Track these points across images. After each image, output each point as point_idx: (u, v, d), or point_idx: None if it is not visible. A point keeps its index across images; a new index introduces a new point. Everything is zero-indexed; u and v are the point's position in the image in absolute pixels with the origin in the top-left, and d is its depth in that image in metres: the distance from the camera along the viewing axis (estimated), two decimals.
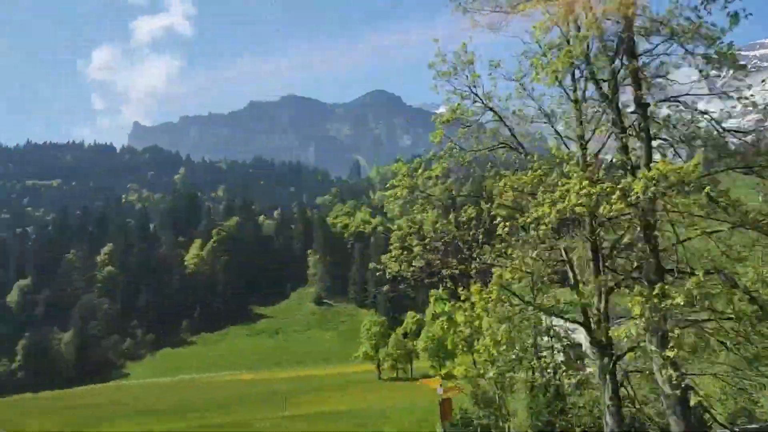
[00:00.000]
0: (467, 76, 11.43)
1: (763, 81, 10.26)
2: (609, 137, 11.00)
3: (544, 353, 23.10)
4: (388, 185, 11.75)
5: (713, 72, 10.07)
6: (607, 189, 9.00)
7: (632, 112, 10.53)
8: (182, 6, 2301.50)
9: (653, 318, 8.86)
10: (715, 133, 10.41)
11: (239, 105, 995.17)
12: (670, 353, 8.80)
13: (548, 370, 21.46)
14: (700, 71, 10.23)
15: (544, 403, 23.53)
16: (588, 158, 10.84)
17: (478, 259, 11.32)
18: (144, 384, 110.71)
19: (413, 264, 11.59)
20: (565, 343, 22.91)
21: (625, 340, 9.59)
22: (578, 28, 10.48)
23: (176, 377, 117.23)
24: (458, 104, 11.66)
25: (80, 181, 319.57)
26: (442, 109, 12.73)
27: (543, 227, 9.78)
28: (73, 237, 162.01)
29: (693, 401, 9.46)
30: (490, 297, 10.29)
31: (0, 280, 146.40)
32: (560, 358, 23.16)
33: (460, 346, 42.76)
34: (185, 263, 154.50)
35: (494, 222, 11.01)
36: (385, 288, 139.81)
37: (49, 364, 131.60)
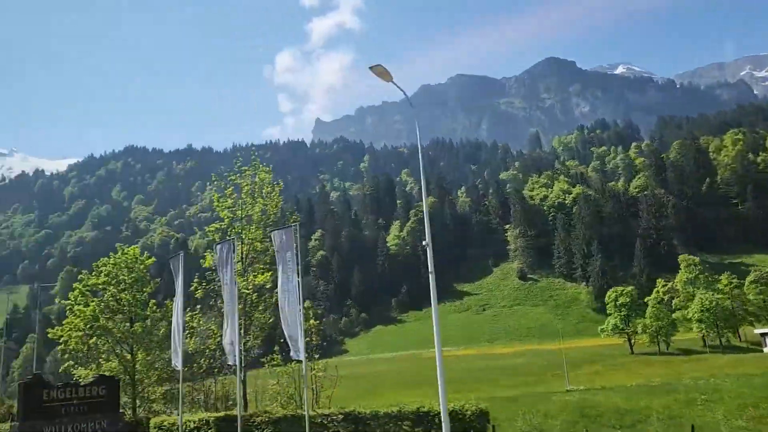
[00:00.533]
0: None
1: None
2: None
3: None
4: None
5: None
6: None
7: None
8: (351, 2, 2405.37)
9: None
10: None
11: (410, 90, 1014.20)
12: None
13: None
14: None
15: None
16: None
17: None
18: (375, 359, 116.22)
19: None
20: None
21: None
22: None
23: (396, 353, 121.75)
24: None
25: (281, 175, 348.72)
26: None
27: None
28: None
29: None
30: None
31: None
32: None
33: None
34: (388, 244, 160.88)
35: None
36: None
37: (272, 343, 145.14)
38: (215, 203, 25.45)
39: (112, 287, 26.09)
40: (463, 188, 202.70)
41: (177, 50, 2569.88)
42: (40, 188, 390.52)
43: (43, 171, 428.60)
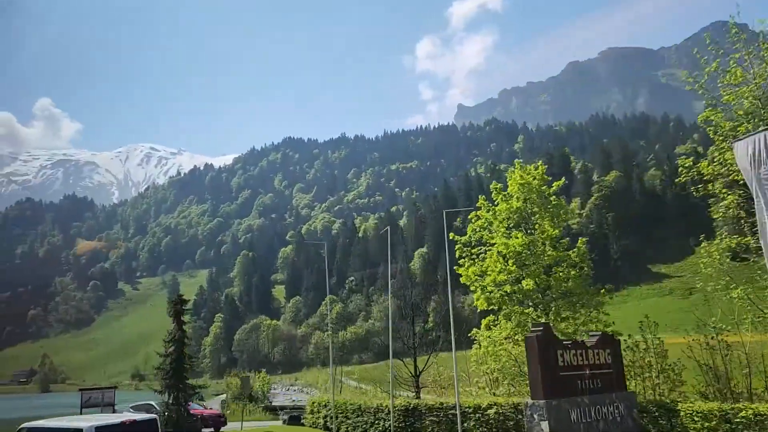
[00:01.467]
0: None
1: None
2: None
3: None
4: None
5: None
6: None
7: None
8: None
9: None
10: None
11: (557, 69, 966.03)
12: None
13: None
14: None
15: None
16: None
17: None
18: None
19: None
20: None
21: None
22: None
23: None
24: None
25: (434, 160, 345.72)
26: None
27: None
28: (447, 207, 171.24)
29: None
30: None
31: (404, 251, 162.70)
32: None
33: None
34: (568, 224, 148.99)
35: None
36: None
37: (457, 325, 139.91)
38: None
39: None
40: (651, 161, 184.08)
41: (323, 48, 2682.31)
42: (210, 181, 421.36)
43: (212, 165, 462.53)
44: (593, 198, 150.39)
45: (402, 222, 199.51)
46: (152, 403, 27.72)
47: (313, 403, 29.61)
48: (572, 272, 20.50)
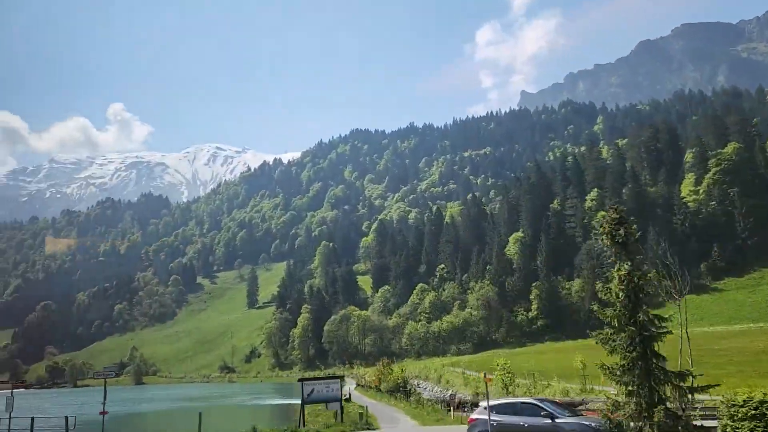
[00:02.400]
0: None
1: None
2: None
3: None
4: None
5: None
6: None
7: None
8: None
9: None
10: None
11: (626, 49, 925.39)
12: None
13: None
14: None
15: None
16: None
17: None
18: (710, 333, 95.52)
19: None
20: None
21: None
22: None
23: (724, 326, 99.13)
24: None
25: (508, 145, 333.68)
26: None
27: None
28: (548, 189, 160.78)
29: None
30: None
31: (497, 235, 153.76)
32: None
33: None
34: (684, 200, 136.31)
35: None
36: None
37: (560, 312, 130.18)
38: None
39: None
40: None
41: (381, 39, 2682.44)
42: (280, 175, 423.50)
43: (280, 160, 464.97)
44: (711, 173, 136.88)
45: (488, 208, 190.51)
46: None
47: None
48: None
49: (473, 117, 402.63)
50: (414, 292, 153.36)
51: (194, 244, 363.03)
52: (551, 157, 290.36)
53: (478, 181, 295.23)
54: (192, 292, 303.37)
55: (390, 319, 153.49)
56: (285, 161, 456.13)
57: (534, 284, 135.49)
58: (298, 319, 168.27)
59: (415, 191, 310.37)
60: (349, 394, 60.95)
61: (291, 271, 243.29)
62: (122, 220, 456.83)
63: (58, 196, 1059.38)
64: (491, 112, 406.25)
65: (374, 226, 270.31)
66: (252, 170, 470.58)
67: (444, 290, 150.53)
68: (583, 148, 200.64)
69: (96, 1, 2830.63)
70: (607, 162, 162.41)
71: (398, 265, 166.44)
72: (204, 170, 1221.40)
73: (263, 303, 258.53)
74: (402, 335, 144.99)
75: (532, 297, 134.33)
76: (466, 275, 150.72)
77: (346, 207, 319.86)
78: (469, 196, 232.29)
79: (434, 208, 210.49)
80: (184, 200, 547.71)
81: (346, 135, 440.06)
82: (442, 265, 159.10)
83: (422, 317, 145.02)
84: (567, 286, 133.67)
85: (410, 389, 58.39)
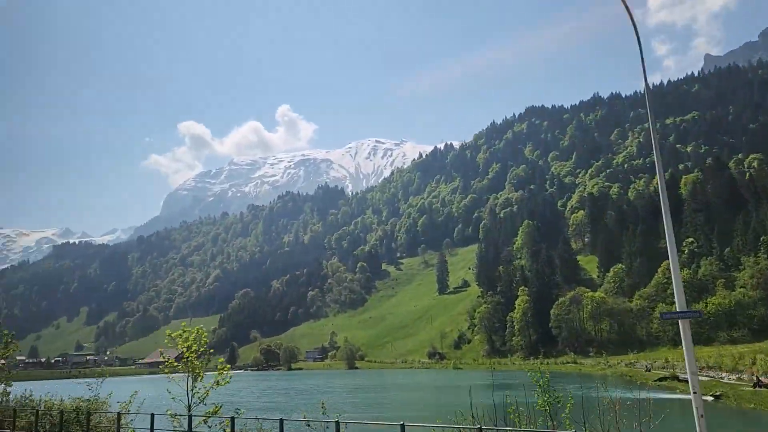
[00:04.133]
0: None
1: None
2: None
3: None
4: None
5: None
6: None
7: None
8: None
9: None
10: None
11: None
12: None
13: None
14: None
15: None
16: None
17: None
18: None
19: None
20: None
21: None
22: None
23: None
24: None
25: (723, 107, 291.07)
26: None
27: None
28: None
29: None
30: None
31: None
32: None
33: None
34: None
35: None
36: None
37: None
38: None
39: None
40: None
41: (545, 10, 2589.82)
42: (453, 159, 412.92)
43: (451, 144, 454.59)
44: None
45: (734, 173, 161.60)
46: None
47: None
48: None
49: (670, 81, 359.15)
50: (659, 270, 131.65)
51: (374, 232, 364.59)
52: None
53: (689, 149, 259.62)
54: (379, 279, 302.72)
55: (631, 301, 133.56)
56: (457, 145, 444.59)
57: None
58: (516, 302, 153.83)
59: (610, 165, 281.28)
60: None
61: (483, 255, 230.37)
62: (302, 212, 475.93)
63: (238, 194, 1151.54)
64: (692, 73, 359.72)
65: (571, 202, 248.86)
66: (423, 157, 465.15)
67: (700, 267, 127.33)
68: None
69: (260, 11, 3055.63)
70: None
71: (632, 241, 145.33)
72: (366, 164, 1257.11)
73: (454, 288, 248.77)
74: (651, 320, 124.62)
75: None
76: (728, 249, 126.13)
77: (532, 186, 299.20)
78: (708, 161, 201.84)
79: (673, 175, 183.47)
80: (350, 194, 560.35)
81: (521, 113, 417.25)
82: (690, 239, 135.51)
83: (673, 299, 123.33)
84: None
85: None
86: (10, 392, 29.66)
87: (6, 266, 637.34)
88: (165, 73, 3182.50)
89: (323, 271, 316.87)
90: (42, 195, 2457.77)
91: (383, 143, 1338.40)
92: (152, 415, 20.44)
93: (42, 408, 25.47)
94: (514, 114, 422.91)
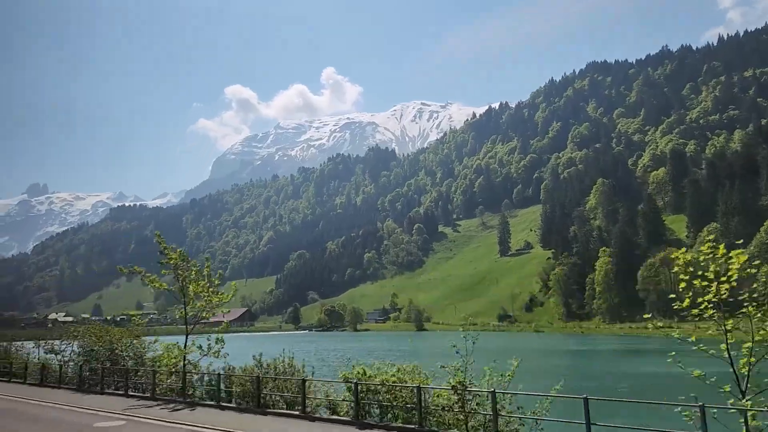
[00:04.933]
0: None
1: None
2: None
3: None
4: None
5: None
6: None
7: None
8: None
9: None
10: None
11: None
12: None
13: None
14: None
15: None
16: None
17: None
18: None
19: None
20: None
21: None
22: None
23: None
24: None
25: None
26: None
27: None
28: None
29: None
30: None
31: None
32: None
33: None
34: None
35: None
36: None
37: None
38: None
39: None
40: None
41: None
42: (508, 119, 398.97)
43: (507, 103, 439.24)
44: None
45: None
46: None
47: None
48: None
49: (748, 31, 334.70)
50: (762, 229, 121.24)
51: (429, 194, 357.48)
52: None
53: None
54: (436, 241, 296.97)
55: None
56: (511, 105, 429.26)
57: None
58: (596, 264, 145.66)
59: (683, 122, 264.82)
60: None
61: (549, 216, 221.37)
62: (353, 174, 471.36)
63: (285, 158, 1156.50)
64: None
65: (643, 161, 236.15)
66: (477, 117, 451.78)
67: None
68: None
69: None
70: None
71: (728, 199, 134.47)
72: (411, 126, 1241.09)
73: (516, 250, 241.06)
74: (754, 282, 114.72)
75: None
76: None
77: (597, 145, 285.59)
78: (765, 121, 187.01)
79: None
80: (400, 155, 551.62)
81: (582, 69, 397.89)
82: None
83: None
84: None
85: None
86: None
87: (66, 228, 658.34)
88: (211, 38, 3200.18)
89: (379, 232, 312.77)
90: (96, 160, 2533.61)
91: (429, 105, 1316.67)
92: None
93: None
94: (574, 71, 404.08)
